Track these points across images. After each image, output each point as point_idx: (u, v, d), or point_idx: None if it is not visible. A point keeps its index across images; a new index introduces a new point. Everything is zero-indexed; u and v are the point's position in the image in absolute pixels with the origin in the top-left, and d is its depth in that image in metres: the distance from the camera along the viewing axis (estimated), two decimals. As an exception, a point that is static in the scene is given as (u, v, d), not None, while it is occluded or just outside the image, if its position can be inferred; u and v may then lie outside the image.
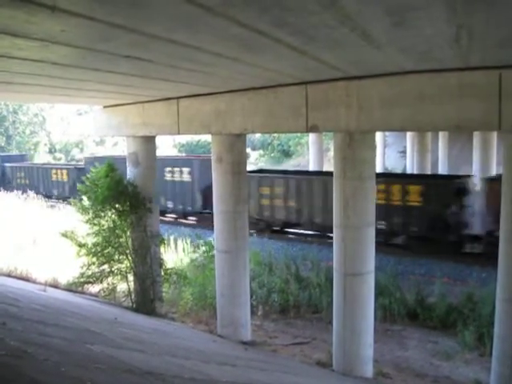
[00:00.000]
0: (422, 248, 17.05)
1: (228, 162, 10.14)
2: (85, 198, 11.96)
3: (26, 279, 12.78)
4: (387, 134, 35.66)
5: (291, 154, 50.94)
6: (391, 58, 5.93)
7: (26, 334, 3.98)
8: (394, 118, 7.35)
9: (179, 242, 17.94)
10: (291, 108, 8.48)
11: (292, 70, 7.01)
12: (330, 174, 23.48)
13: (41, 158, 49.04)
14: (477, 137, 27.31)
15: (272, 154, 52.71)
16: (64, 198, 26.82)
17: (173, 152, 51.79)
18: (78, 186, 12.11)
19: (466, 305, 12.08)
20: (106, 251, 11.50)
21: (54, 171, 30.80)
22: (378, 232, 17.83)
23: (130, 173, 12.38)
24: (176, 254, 17.06)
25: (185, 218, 24.52)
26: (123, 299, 12.29)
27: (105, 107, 12.32)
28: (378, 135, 31.60)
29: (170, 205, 23.95)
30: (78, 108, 53.82)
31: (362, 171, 8.56)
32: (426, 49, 5.34)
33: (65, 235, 11.73)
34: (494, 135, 25.74)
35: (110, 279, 11.73)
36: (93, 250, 11.44)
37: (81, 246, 11.51)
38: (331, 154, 25.78)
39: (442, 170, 30.26)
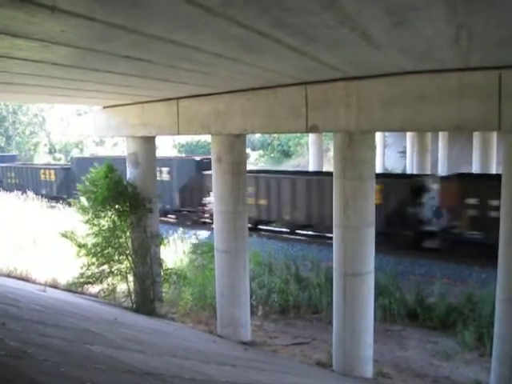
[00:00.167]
0: (384, 244, 16.83)
1: (228, 162, 10.14)
2: (83, 198, 11.96)
3: (26, 279, 12.78)
4: (387, 134, 35.68)
5: (291, 155, 50.96)
6: (391, 58, 5.93)
7: (26, 335, 3.98)
8: (394, 118, 7.36)
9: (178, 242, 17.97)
10: (291, 108, 8.48)
11: (292, 71, 7.01)
12: (297, 173, 23.99)
13: (41, 158, 49.07)
14: (477, 137, 27.34)
15: (272, 155, 52.74)
16: (52, 197, 27.58)
17: (172, 153, 51.75)
18: (78, 186, 12.10)
19: (465, 305, 12.09)
20: (105, 251, 11.50)
21: (42, 171, 31.47)
22: None
23: (130, 173, 12.38)
24: (176, 254, 17.05)
25: (164, 215, 24.94)
26: (123, 299, 12.29)
27: (104, 107, 12.32)
28: (378, 135, 31.61)
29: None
30: (77, 108, 53.78)
31: (361, 171, 8.56)
32: (426, 49, 5.34)
33: (64, 235, 11.73)
34: (494, 135, 25.77)
35: (109, 279, 11.73)
36: (92, 251, 11.43)
37: (80, 246, 11.51)
38: (331, 154, 25.76)
39: (442, 170, 30.27)
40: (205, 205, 23.14)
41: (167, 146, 56.67)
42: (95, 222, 11.63)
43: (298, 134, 44.13)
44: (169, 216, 25.81)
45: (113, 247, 11.54)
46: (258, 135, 51.77)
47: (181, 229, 20.29)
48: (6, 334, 3.64)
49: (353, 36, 4.38)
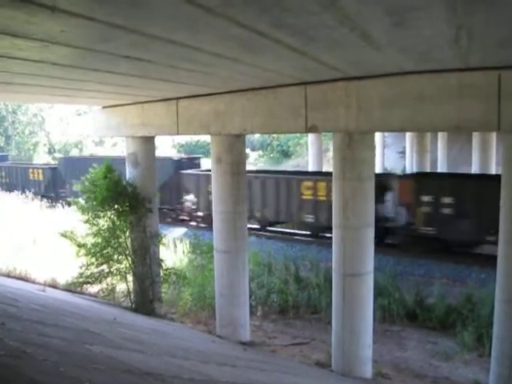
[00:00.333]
0: None
1: (227, 162, 10.14)
2: (81, 200, 11.97)
3: (25, 279, 12.78)
4: (386, 134, 35.70)
5: (290, 155, 50.96)
6: (391, 58, 5.93)
7: (25, 334, 3.98)
8: (394, 118, 7.36)
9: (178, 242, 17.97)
10: (291, 108, 8.49)
11: (292, 71, 7.01)
12: (267, 172, 24.56)
13: (40, 158, 49.01)
14: (476, 137, 27.35)
15: (271, 155, 52.73)
16: (41, 196, 28.10)
17: (172, 153, 51.72)
18: (78, 186, 12.10)
19: (465, 305, 12.08)
20: (105, 251, 11.50)
21: (31, 171, 32.04)
22: (307, 225, 19.85)
23: (130, 173, 12.38)
24: (175, 254, 17.06)
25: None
26: (122, 299, 12.29)
27: (104, 108, 12.32)
28: (377, 136, 31.62)
29: None
30: (77, 108, 53.78)
31: (361, 172, 8.57)
32: (426, 49, 5.34)
33: (64, 235, 11.73)
34: (494, 136, 25.77)
35: (109, 279, 11.74)
36: (92, 251, 11.43)
37: (80, 246, 11.51)
38: (330, 154, 25.77)
39: (441, 170, 30.29)
40: (182, 203, 23.73)
41: (167, 146, 56.65)
42: (95, 222, 11.63)
43: (298, 134, 44.13)
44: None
45: (112, 247, 11.54)
46: (257, 135, 51.76)
47: (159, 226, 20.36)
48: (6, 334, 3.64)
49: (353, 36, 4.38)
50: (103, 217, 11.65)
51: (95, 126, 13.09)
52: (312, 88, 8.16)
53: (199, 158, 29.35)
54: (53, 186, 29.96)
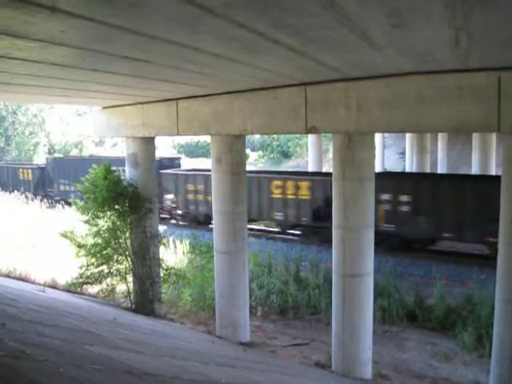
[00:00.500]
0: (312, 236, 19.71)
1: (227, 162, 10.14)
2: (79, 201, 11.98)
3: (25, 280, 12.77)
4: (386, 135, 35.73)
5: (290, 155, 51.05)
6: (391, 59, 5.93)
7: (25, 335, 3.98)
8: (394, 119, 7.36)
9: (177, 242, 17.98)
10: (290, 109, 8.49)
11: (291, 71, 7.01)
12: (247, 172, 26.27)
13: (40, 158, 49.02)
14: (476, 138, 27.34)
15: (271, 155, 52.79)
16: (30, 195, 28.77)
17: (172, 153, 51.76)
18: (78, 186, 12.10)
19: (464, 306, 12.09)
20: (105, 252, 11.50)
21: (20, 170, 32.90)
22: (277, 222, 21.06)
23: (129, 173, 12.38)
24: (175, 254, 17.06)
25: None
26: (122, 300, 12.29)
27: (104, 108, 12.32)
28: (377, 136, 31.62)
29: None
30: (77, 109, 53.87)
31: (361, 172, 8.57)
32: (426, 50, 5.34)
33: (64, 235, 11.73)
34: (494, 136, 25.77)
35: (109, 280, 11.74)
36: (92, 251, 11.43)
37: (80, 246, 11.51)
38: (330, 155, 25.82)
39: (441, 171, 30.30)
40: (162, 202, 24.15)
41: (166, 147, 56.69)
42: (94, 223, 11.63)
43: (298, 135, 44.17)
44: None
45: (112, 247, 11.55)
46: (257, 136, 51.82)
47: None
48: (6, 335, 3.64)
49: (352, 37, 4.38)
50: (103, 217, 11.66)
51: (95, 126, 13.10)
52: (312, 89, 8.17)
53: (179, 158, 30.22)
54: (42, 185, 30.75)
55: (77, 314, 7.71)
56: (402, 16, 3.73)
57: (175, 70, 6.28)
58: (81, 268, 11.46)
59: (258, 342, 11.15)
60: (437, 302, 12.59)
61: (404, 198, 17.13)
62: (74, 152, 52.01)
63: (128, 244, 11.76)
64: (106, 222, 11.66)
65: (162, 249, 13.16)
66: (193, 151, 59.01)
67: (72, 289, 12.06)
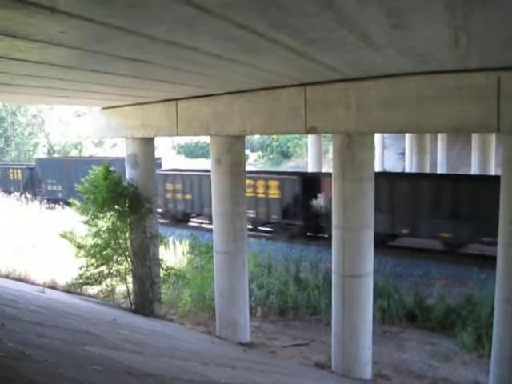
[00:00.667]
0: (282, 233, 20.87)
1: (227, 163, 10.14)
2: (78, 200, 11.98)
3: (25, 280, 12.77)
4: (386, 135, 35.73)
5: (290, 156, 51.06)
6: (390, 59, 5.93)
7: (25, 336, 3.98)
8: (393, 119, 7.36)
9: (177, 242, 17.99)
10: (290, 109, 8.49)
11: (291, 72, 7.01)
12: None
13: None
14: (475, 138, 27.35)
15: (271, 156, 52.79)
16: (20, 194, 29.32)
17: (171, 153, 51.75)
18: (78, 186, 12.09)
19: (464, 306, 12.09)
20: (104, 252, 11.49)
21: (11, 170, 33.67)
22: (249, 220, 20.11)
23: (129, 174, 12.38)
24: (175, 255, 17.06)
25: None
26: (122, 301, 12.28)
27: (103, 109, 12.32)
28: (377, 137, 31.64)
29: None
30: (76, 109, 53.83)
31: (360, 173, 8.57)
32: (425, 51, 5.35)
33: (64, 236, 11.73)
34: (493, 137, 25.79)
35: (108, 280, 11.73)
36: (92, 252, 11.43)
37: (79, 247, 11.51)
38: (330, 155, 25.86)
39: (441, 171, 30.30)
40: None
41: (166, 147, 56.67)
42: (94, 223, 11.62)
43: (297, 135, 44.17)
44: None
45: (112, 248, 11.54)
46: (257, 136, 51.81)
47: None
48: (5, 335, 3.64)
49: (352, 37, 4.38)
50: (103, 218, 11.65)
51: (95, 127, 13.09)
52: (311, 89, 8.17)
53: (160, 158, 30.59)
54: (31, 184, 31.50)
55: (76, 314, 7.71)
56: (401, 16, 3.73)
57: (174, 71, 6.28)
58: (80, 269, 11.45)
59: (257, 343, 11.15)
60: (436, 302, 12.59)
61: None
62: (74, 153, 51.97)
63: (128, 244, 11.75)
64: (106, 222, 11.65)
65: (161, 249, 13.15)
66: (192, 152, 59.01)
67: (72, 289, 12.05)
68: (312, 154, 31.03)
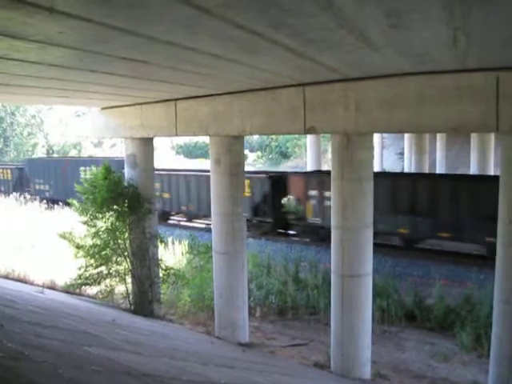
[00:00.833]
0: (253, 230, 21.13)
1: (226, 163, 10.14)
2: (76, 200, 11.97)
3: (24, 281, 12.76)
4: (385, 135, 35.73)
5: (289, 156, 51.08)
6: (389, 59, 5.93)
7: (24, 336, 3.97)
8: (392, 119, 7.36)
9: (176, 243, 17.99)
10: (289, 110, 8.49)
11: (290, 72, 7.01)
12: (191, 170, 27.02)
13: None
14: (474, 138, 27.37)
15: (270, 156, 52.80)
16: (9, 193, 30.45)
17: (170, 154, 51.76)
18: (77, 187, 12.08)
19: (463, 306, 12.10)
20: (103, 253, 11.49)
21: (0, 171, 34.36)
22: None
23: (128, 174, 12.37)
24: (174, 255, 17.06)
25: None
26: (121, 301, 12.28)
27: (102, 109, 12.32)
28: (376, 137, 31.65)
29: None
30: (76, 110, 53.82)
31: (359, 173, 8.57)
32: (424, 51, 5.35)
33: (63, 236, 11.72)
34: (492, 137, 25.80)
35: (107, 281, 11.72)
36: (91, 252, 11.42)
37: (79, 247, 11.50)
38: (329, 155, 25.87)
39: (440, 171, 30.32)
40: None
41: (165, 147, 56.68)
42: (93, 224, 11.62)
43: (296, 136, 44.17)
44: None
45: (111, 248, 11.53)
46: (256, 136, 51.80)
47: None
48: (4, 336, 3.64)
49: (351, 37, 4.39)
50: (102, 218, 11.65)
51: (94, 127, 13.09)
52: (310, 89, 8.17)
53: None
54: (20, 184, 32.33)
55: (75, 315, 7.71)
56: (400, 16, 3.73)
57: (173, 71, 6.28)
58: (79, 269, 11.44)
59: (256, 343, 11.15)
60: (436, 302, 12.60)
61: (327, 193, 18.37)
62: (73, 153, 51.94)
63: (127, 245, 11.75)
64: (105, 222, 11.65)
65: (160, 249, 13.15)
66: (191, 152, 59.00)
67: (71, 290, 12.05)
68: (311, 154, 31.04)
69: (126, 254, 11.71)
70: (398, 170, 35.09)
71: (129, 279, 12.01)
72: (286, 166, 44.98)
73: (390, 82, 7.21)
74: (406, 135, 32.04)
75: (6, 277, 12.86)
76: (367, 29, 4.19)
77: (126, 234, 11.78)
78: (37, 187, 30.70)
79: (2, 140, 51.30)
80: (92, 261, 11.49)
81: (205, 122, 9.96)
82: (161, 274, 12.30)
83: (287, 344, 11.57)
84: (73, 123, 55.19)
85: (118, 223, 11.57)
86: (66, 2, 3.15)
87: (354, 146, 8.45)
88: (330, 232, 18.55)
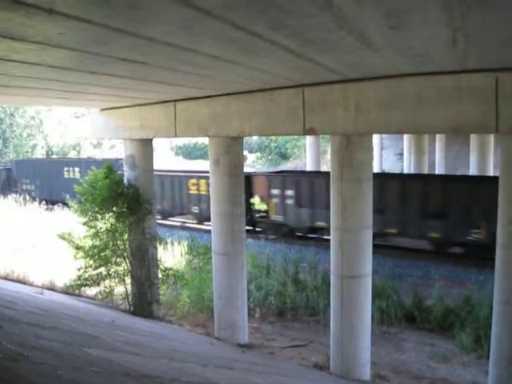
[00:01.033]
0: None
1: (225, 164, 10.14)
2: (74, 204, 11.96)
3: (23, 282, 12.75)
4: (384, 136, 35.73)
5: (288, 157, 51.04)
6: (388, 60, 5.94)
7: (23, 337, 3.97)
8: (392, 120, 7.36)
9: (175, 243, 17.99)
10: (288, 111, 8.49)
11: (289, 73, 7.01)
12: (164, 170, 26.93)
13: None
14: (474, 139, 27.37)
15: (269, 157, 52.77)
16: None
17: (170, 155, 51.75)
18: (77, 187, 12.08)
19: (463, 307, 12.09)
20: (103, 254, 11.48)
21: None
22: (194, 215, 24.27)
23: (128, 175, 12.37)
24: (173, 256, 17.05)
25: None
26: (120, 302, 12.27)
27: (102, 110, 12.31)
28: (375, 138, 31.65)
29: (67, 197, 29.34)
30: (75, 111, 53.76)
31: (359, 174, 8.57)
32: (423, 51, 5.35)
33: (62, 237, 11.71)
34: (491, 137, 25.81)
35: (107, 282, 11.71)
36: (90, 253, 11.42)
37: (78, 248, 11.49)
38: (328, 156, 25.90)
39: (439, 172, 30.32)
40: None
41: (165, 149, 56.66)
42: (93, 224, 11.61)
43: (296, 136, 44.15)
44: None
45: (110, 249, 11.53)
46: (255, 137, 51.80)
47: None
48: (4, 337, 3.64)
49: (350, 38, 4.39)
50: (102, 219, 11.64)
51: (93, 128, 13.09)
52: (310, 90, 8.17)
53: (121, 159, 31.68)
54: (8, 184, 33.40)
55: (75, 316, 7.70)
56: (399, 17, 3.73)
57: (173, 72, 6.28)
58: (79, 270, 11.44)
59: (256, 344, 11.14)
60: (435, 303, 12.59)
61: (289, 192, 20.31)
62: (73, 154, 51.92)
63: (126, 246, 11.75)
64: (105, 223, 11.64)
65: (160, 250, 13.15)
66: (191, 153, 58.98)
67: (70, 291, 12.04)
68: (310, 155, 31.04)
69: (125, 254, 11.70)
70: (397, 170, 35.10)
71: (128, 280, 12.00)
72: (285, 167, 44.91)
73: (389, 83, 7.21)
74: (406, 136, 32.05)
75: (6, 278, 12.85)
76: (367, 29, 4.19)
77: (126, 235, 11.77)
78: (24, 187, 31.67)
79: (1, 141, 51.25)
80: (91, 262, 11.48)
81: (204, 123, 9.96)
82: (160, 275, 12.29)
83: (287, 345, 11.56)
84: (72, 124, 55.13)
85: (117, 224, 11.56)
86: (66, 3, 3.15)
87: (353, 146, 8.45)
88: (291, 229, 20.27)
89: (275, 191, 20.58)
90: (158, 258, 12.54)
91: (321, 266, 15.41)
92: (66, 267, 12.67)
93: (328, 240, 19.98)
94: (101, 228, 11.60)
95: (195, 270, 15.53)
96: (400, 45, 4.94)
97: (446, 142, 31.61)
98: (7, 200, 26.65)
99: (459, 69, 6.50)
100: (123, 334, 7.09)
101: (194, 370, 5.30)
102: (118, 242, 11.61)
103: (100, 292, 11.77)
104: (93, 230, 11.59)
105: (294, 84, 8.19)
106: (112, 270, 11.71)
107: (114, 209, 11.51)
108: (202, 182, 23.07)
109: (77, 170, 28.73)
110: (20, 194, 29.53)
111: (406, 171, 31.97)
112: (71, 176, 29.15)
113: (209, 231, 22.63)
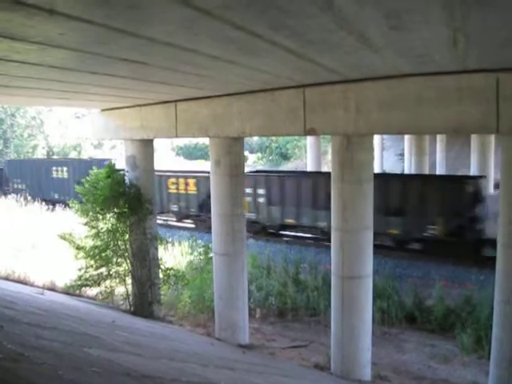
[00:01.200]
0: (200, 225, 23.44)
1: (226, 165, 10.15)
2: (75, 204, 11.96)
3: (24, 282, 12.75)
4: (385, 137, 35.73)
5: (289, 157, 51.00)
6: (389, 61, 5.94)
7: (24, 338, 3.97)
8: (392, 120, 7.36)
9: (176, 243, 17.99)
10: (289, 111, 8.49)
11: (289, 73, 7.01)
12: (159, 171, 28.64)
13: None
14: (474, 140, 27.36)
15: (270, 157, 52.75)
16: None
17: (170, 155, 51.74)
18: (77, 188, 12.07)
19: (464, 308, 12.09)
20: (104, 254, 11.48)
21: None
22: (173, 213, 25.19)
23: (128, 175, 12.36)
24: (174, 256, 17.05)
25: (64, 206, 27.33)
26: (121, 302, 12.27)
27: (102, 110, 12.32)
28: (376, 138, 31.63)
29: (56, 196, 29.92)
30: (76, 111, 53.78)
31: (359, 174, 8.57)
32: (424, 52, 5.35)
33: (63, 237, 11.71)
34: (492, 138, 25.80)
35: (108, 282, 11.71)
36: (91, 253, 11.41)
37: (79, 248, 11.49)
38: (329, 156, 25.89)
39: (440, 172, 30.30)
40: None
41: (165, 149, 56.67)
42: (94, 225, 11.61)
43: (296, 137, 44.14)
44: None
45: (111, 249, 11.53)
46: (256, 138, 51.80)
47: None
48: (4, 337, 3.64)
49: (351, 39, 4.39)
50: (103, 219, 11.64)
51: (94, 128, 13.09)
52: (310, 90, 8.17)
53: (111, 159, 32.26)
54: (0, 184, 34.51)
55: (75, 316, 7.70)
56: (400, 17, 3.73)
57: (173, 72, 6.28)
58: (80, 270, 11.43)
59: (256, 344, 11.14)
60: (436, 303, 12.59)
61: (261, 191, 21.17)
62: (73, 155, 51.95)
63: (127, 246, 11.74)
64: (106, 223, 11.64)
65: (160, 250, 13.14)
66: (191, 153, 58.98)
67: (71, 291, 12.04)
68: (311, 156, 31.05)
69: (126, 255, 11.70)
70: (397, 171, 35.07)
71: (129, 280, 12.00)
72: (286, 168, 44.93)
73: (389, 83, 7.21)
74: (406, 136, 32.04)
75: (6, 278, 12.85)
76: (367, 30, 4.19)
77: (127, 235, 11.77)
78: (15, 186, 32.43)
79: (2, 141, 51.26)
80: (92, 262, 11.48)
81: (204, 124, 9.96)
82: (161, 276, 12.29)
83: (287, 345, 11.56)
84: (73, 125, 55.15)
85: (118, 224, 11.57)
86: (66, 4, 3.15)
87: (354, 147, 8.45)
88: (263, 226, 21.42)
89: (249, 190, 20.71)
90: (159, 258, 12.54)
91: (321, 267, 15.41)
92: (66, 267, 12.67)
93: (297, 237, 21.64)
94: (102, 228, 11.61)
95: (196, 270, 15.52)
96: (400, 45, 4.94)
97: (446, 143, 31.60)
98: (7, 200, 26.65)
99: (460, 69, 6.50)
100: (124, 335, 7.08)
101: (195, 370, 5.30)
102: (119, 242, 11.61)
103: (101, 292, 11.76)
104: (94, 231, 11.59)
105: (295, 84, 8.19)
106: (113, 270, 11.70)
107: (115, 209, 11.51)
108: (182, 181, 24.08)
109: (65, 169, 29.61)
110: (11, 193, 30.28)
111: (406, 172, 31.95)
112: (59, 176, 30.04)
113: (188, 228, 23.73)
